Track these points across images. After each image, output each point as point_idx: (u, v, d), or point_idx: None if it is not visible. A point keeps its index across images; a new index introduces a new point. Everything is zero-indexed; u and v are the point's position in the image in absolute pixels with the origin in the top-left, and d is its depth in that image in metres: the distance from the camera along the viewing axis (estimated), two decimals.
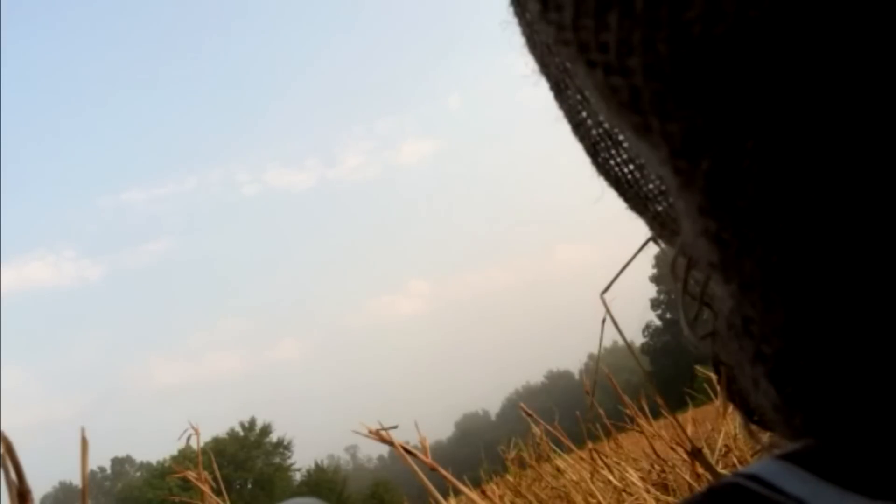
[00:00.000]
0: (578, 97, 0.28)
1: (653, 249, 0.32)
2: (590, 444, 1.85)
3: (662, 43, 0.17)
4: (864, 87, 0.16)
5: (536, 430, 2.00)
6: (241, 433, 35.05)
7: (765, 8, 0.16)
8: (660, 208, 0.28)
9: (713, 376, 0.28)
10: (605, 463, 1.76)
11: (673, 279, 0.25)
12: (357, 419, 0.97)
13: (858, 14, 0.16)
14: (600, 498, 1.65)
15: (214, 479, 1.27)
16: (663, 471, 2.03)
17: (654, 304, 35.95)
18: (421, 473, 0.98)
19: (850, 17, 0.16)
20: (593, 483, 1.77)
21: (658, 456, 1.92)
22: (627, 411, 1.61)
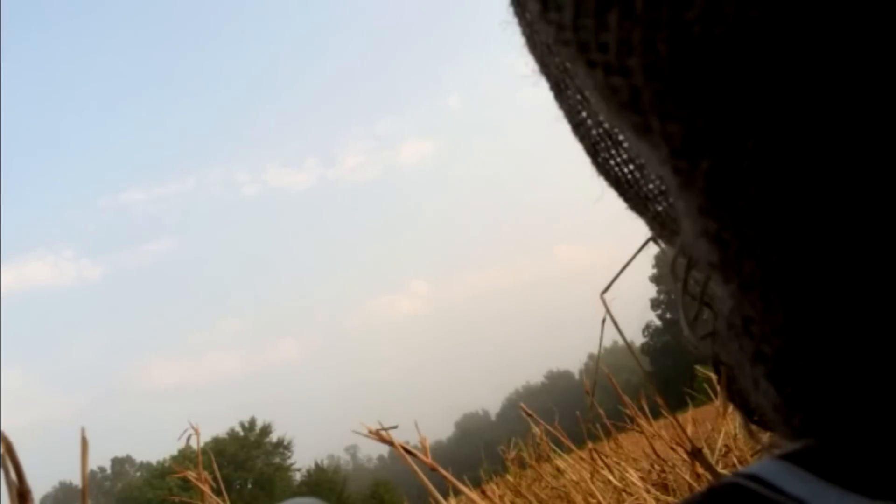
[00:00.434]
0: (578, 97, 0.28)
1: (653, 249, 0.32)
2: (590, 444, 1.85)
3: (662, 43, 0.17)
4: (863, 87, 0.16)
5: (536, 430, 2.00)
6: (241, 433, 35.06)
7: (765, 8, 0.16)
8: (660, 208, 0.28)
9: (713, 376, 0.28)
10: (605, 463, 1.76)
11: (673, 279, 0.25)
12: (357, 419, 0.97)
13: (858, 14, 0.16)
14: (600, 498, 1.65)
15: (214, 479, 1.27)
16: (663, 471, 2.03)
17: (654, 304, 35.96)
18: (421, 473, 0.98)
19: (850, 17, 0.16)
20: (593, 483, 1.77)
21: (658, 456, 1.92)
22: (627, 411, 1.61)
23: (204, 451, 1.24)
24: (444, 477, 1.03)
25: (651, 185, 0.28)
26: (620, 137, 0.27)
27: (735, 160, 0.18)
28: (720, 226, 0.19)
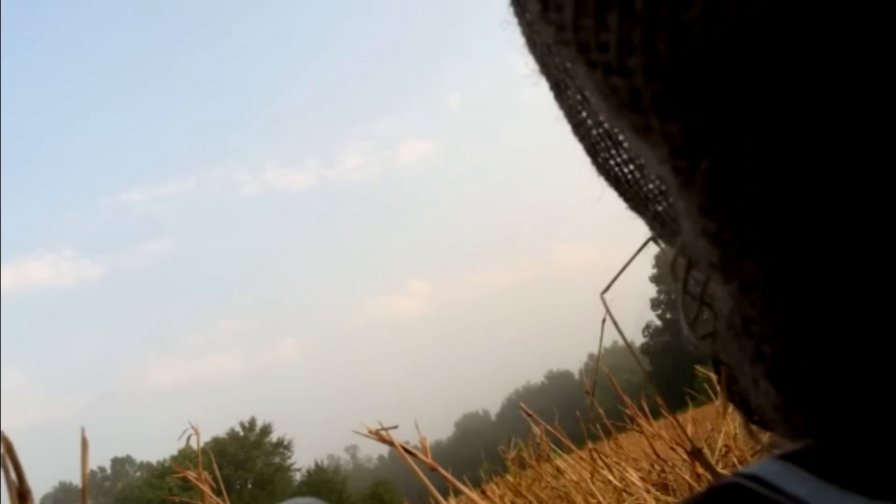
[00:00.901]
0: (578, 97, 0.28)
1: (653, 249, 0.32)
2: (590, 444, 1.85)
3: (662, 43, 0.17)
4: (863, 86, 0.16)
5: (536, 430, 2.00)
6: (241, 433, 35.05)
7: (764, 8, 0.16)
8: (660, 208, 0.28)
9: (713, 376, 0.28)
10: (605, 463, 1.76)
11: (673, 279, 0.25)
12: (357, 419, 0.97)
13: (858, 14, 0.16)
14: (600, 498, 1.65)
15: (214, 479, 1.27)
16: (663, 471, 2.03)
17: (654, 304, 35.95)
18: (421, 473, 0.98)
19: (850, 17, 0.16)
20: (593, 483, 1.77)
21: (658, 456, 1.92)
22: (627, 411, 1.61)
23: (204, 451, 1.24)
24: (444, 477, 1.03)
25: (651, 185, 0.28)
26: (620, 137, 0.27)
27: (735, 160, 0.18)
28: (720, 226, 0.19)
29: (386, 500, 29.64)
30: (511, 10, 0.27)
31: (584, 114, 0.28)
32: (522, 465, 2.45)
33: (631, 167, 0.28)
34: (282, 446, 35.76)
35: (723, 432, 2.00)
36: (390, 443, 0.95)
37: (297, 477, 35.81)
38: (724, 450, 1.96)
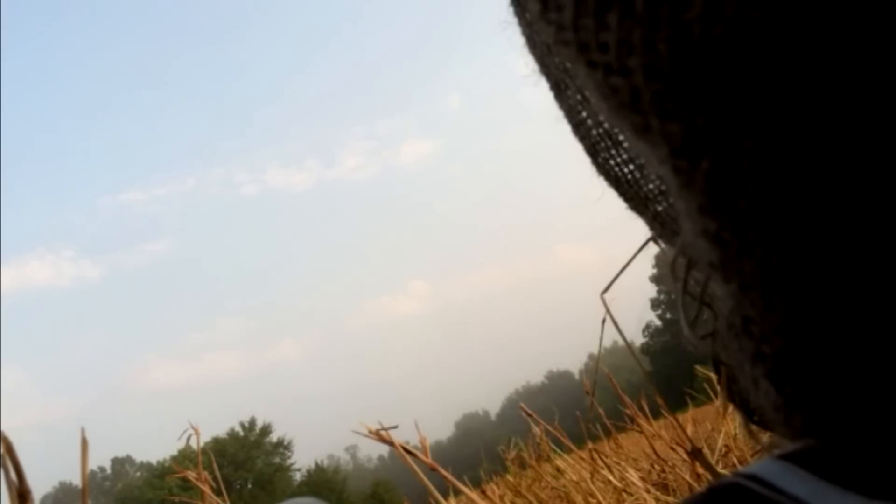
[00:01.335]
0: (578, 97, 0.28)
1: (653, 249, 0.32)
2: (590, 444, 1.84)
3: (662, 43, 0.17)
4: (863, 86, 0.16)
5: (536, 430, 2.00)
6: (241, 433, 35.05)
7: (764, 8, 0.16)
8: (660, 208, 0.28)
9: (713, 376, 0.28)
10: (605, 463, 1.76)
11: (673, 279, 0.25)
12: (357, 419, 0.97)
13: (858, 14, 0.16)
14: (600, 498, 1.65)
15: (214, 479, 1.27)
16: (663, 471, 2.03)
17: (654, 304, 35.94)
18: (421, 473, 0.98)
19: (850, 17, 0.16)
20: (593, 483, 1.77)
21: (658, 456, 1.92)
22: (627, 411, 1.61)
23: (204, 451, 1.24)
24: (444, 477, 1.03)
25: (651, 185, 0.28)
26: (620, 137, 0.27)
27: (735, 160, 0.18)
28: (720, 226, 0.19)
29: (386, 500, 29.64)
30: (511, 10, 0.27)
31: (584, 114, 0.28)
32: (522, 465, 2.45)
33: (631, 167, 0.28)
34: (282, 446, 35.76)
35: (723, 432, 2.00)
36: (390, 443, 0.95)
37: (297, 477, 35.83)
38: (724, 450, 1.96)
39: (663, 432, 1.98)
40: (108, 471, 45.54)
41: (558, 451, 2.02)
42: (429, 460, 0.99)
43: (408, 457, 0.96)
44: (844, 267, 0.18)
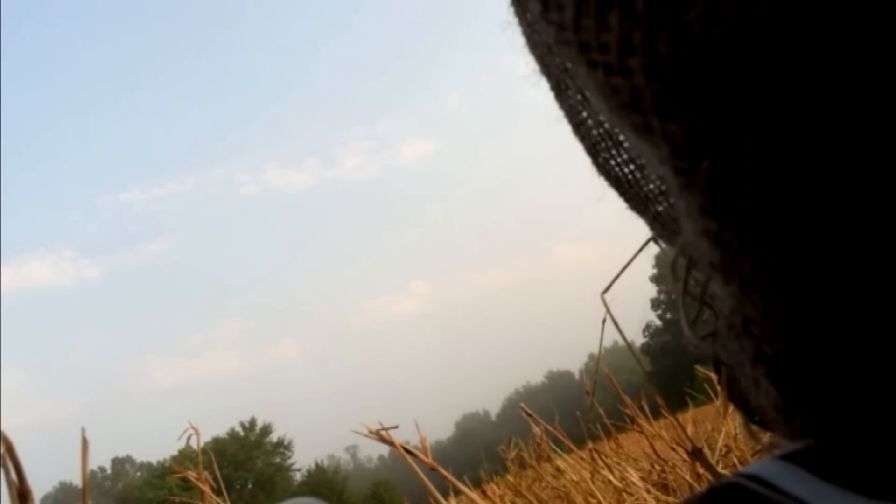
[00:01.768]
0: (579, 97, 0.28)
1: (653, 249, 0.32)
2: (590, 444, 1.84)
3: (663, 43, 0.17)
4: (864, 86, 0.16)
5: (536, 430, 2.00)
6: (242, 433, 35.08)
7: (765, 8, 0.16)
8: (660, 208, 0.28)
9: (713, 376, 0.28)
10: (605, 463, 1.76)
11: (673, 279, 0.25)
12: (357, 419, 0.97)
13: (858, 14, 0.16)
14: (601, 498, 1.65)
15: (214, 479, 1.27)
16: (664, 471, 2.03)
17: (655, 304, 35.96)
18: (421, 473, 0.98)
19: (851, 17, 0.16)
20: (594, 483, 1.77)
21: (658, 456, 1.92)
22: (627, 411, 1.61)
23: (204, 451, 1.24)
24: (445, 477, 1.03)
25: (651, 186, 0.28)
26: (621, 137, 0.27)
27: (736, 160, 0.18)
28: (721, 226, 0.19)
29: (386, 500, 29.66)
30: (511, 10, 0.27)
31: (584, 114, 0.28)
32: (522, 465, 2.45)
33: (631, 167, 0.28)
34: (282, 446, 35.79)
35: (723, 432, 2.00)
36: (390, 443, 0.95)
37: (298, 477, 35.86)
38: (724, 450, 1.96)
39: (663, 432, 1.98)
40: (108, 471, 45.58)
41: (558, 451, 2.02)
42: (429, 460, 0.99)
43: (408, 457, 0.96)
44: (845, 267, 0.18)
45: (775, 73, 0.16)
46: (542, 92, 0.29)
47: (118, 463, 45.61)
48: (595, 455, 1.79)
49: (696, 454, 0.87)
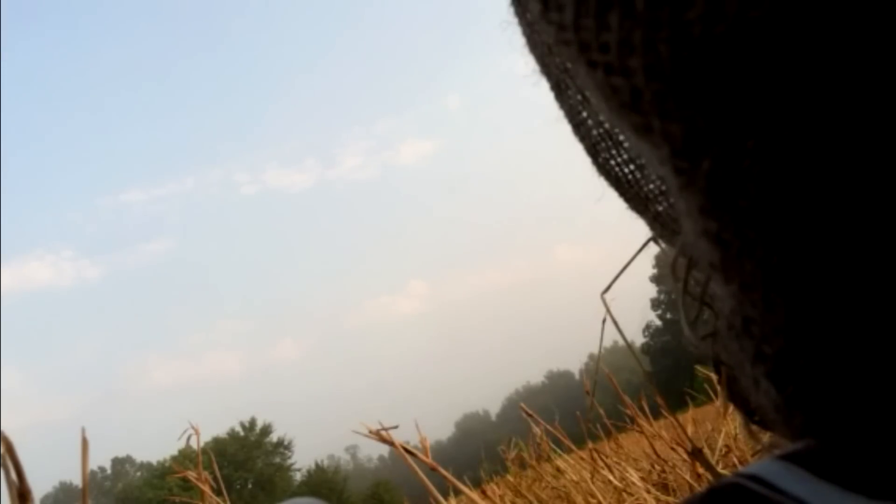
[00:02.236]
0: (579, 97, 0.28)
1: (653, 249, 0.32)
2: (590, 444, 1.84)
3: (663, 43, 0.17)
4: (864, 86, 0.16)
5: (536, 430, 2.00)
6: (242, 433, 35.08)
7: (765, 8, 0.16)
8: (660, 208, 0.28)
9: (713, 376, 0.28)
10: (605, 463, 1.76)
11: (673, 279, 0.25)
12: (357, 419, 0.96)
13: (858, 14, 0.16)
14: (601, 498, 1.65)
15: (214, 479, 1.27)
16: (664, 471, 2.03)
17: (655, 304, 35.96)
18: (421, 473, 0.98)
19: (851, 17, 0.16)
20: (594, 483, 1.77)
21: (658, 456, 1.91)
22: (628, 411, 1.61)
23: (204, 451, 1.24)
24: (445, 477, 1.03)
25: (651, 186, 0.28)
26: (621, 137, 0.27)
27: (736, 160, 0.18)
28: (721, 226, 0.19)
29: (386, 500, 29.66)
30: (511, 10, 0.27)
31: (584, 114, 0.28)
32: (522, 465, 2.45)
33: (631, 167, 0.28)
34: (282, 446, 35.80)
35: (723, 432, 2.00)
36: (390, 443, 0.95)
37: (298, 477, 35.87)
38: (724, 450, 1.96)
39: (663, 432, 1.98)
40: (108, 471, 45.58)
41: (558, 451, 2.02)
42: (429, 460, 0.99)
43: (408, 457, 0.96)
44: (845, 267, 0.18)
45: (775, 73, 0.16)
46: (542, 92, 0.29)
47: (118, 463, 45.61)
48: (595, 455, 1.79)
49: (696, 454, 0.87)
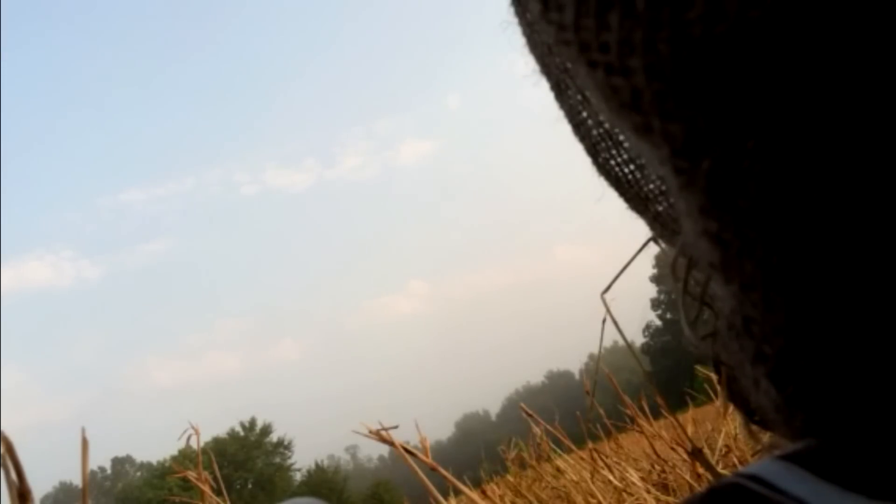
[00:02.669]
0: (579, 97, 0.28)
1: (653, 249, 0.32)
2: (590, 444, 1.84)
3: (663, 43, 0.17)
4: (864, 86, 0.16)
5: (536, 430, 2.00)
6: (242, 433, 35.08)
7: (765, 8, 0.16)
8: (660, 208, 0.28)
9: (713, 376, 0.28)
10: (605, 463, 1.76)
11: (673, 279, 0.25)
12: (357, 419, 0.96)
13: (858, 14, 0.16)
14: (600, 498, 1.65)
15: (214, 479, 1.27)
16: (664, 471, 2.03)
17: (655, 304, 35.95)
18: (421, 473, 0.98)
19: (851, 17, 0.16)
20: (593, 483, 1.77)
21: (658, 456, 1.91)
22: (627, 411, 1.61)
23: (204, 451, 1.24)
24: (445, 477, 1.03)
25: (652, 185, 0.28)
26: (621, 137, 0.27)
27: (736, 160, 0.18)
28: (721, 226, 0.19)
29: (386, 500, 29.66)
30: (511, 10, 0.27)
31: (584, 114, 0.28)
32: (522, 465, 2.45)
33: (632, 167, 0.28)
34: (282, 446, 35.79)
35: (723, 432, 2.00)
36: (390, 443, 0.95)
37: (297, 477, 35.86)
38: (724, 450, 1.96)
39: (663, 432, 1.98)
40: (108, 471, 45.58)
41: (558, 451, 2.02)
42: (429, 460, 0.99)
43: (408, 457, 0.96)
44: (845, 267, 0.18)
45: (775, 72, 0.16)
46: (542, 92, 0.29)
47: (118, 463, 45.61)
48: (595, 455, 1.79)
49: (696, 454, 0.87)
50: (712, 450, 1.89)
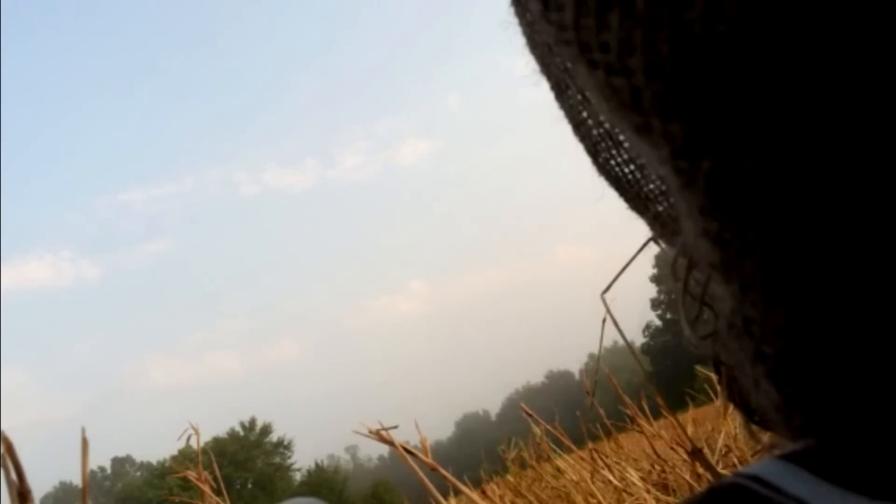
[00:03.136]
0: (579, 97, 0.28)
1: (653, 249, 0.32)
2: (590, 444, 1.84)
3: (663, 43, 0.17)
4: (864, 86, 0.16)
5: (537, 430, 2.00)
6: (242, 433, 35.08)
7: (766, 8, 0.16)
8: (660, 208, 0.28)
9: (713, 376, 0.28)
10: (605, 463, 1.76)
11: (673, 279, 0.25)
12: (357, 419, 0.96)
13: (858, 14, 0.16)
14: (601, 498, 1.65)
15: (215, 479, 1.27)
16: (664, 471, 2.03)
17: (655, 304, 35.96)
18: (421, 473, 0.98)
19: (851, 17, 0.16)
20: (594, 483, 1.77)
21: (658, 456, 1.91)
22: (628, 411, 1.61)
23: (204, 451, 1.24)
24: (445, 477, 1.03)
25: (652, 186, 0.28)
26: (621, 137, 0.27)
27: (736, 160, 0.18)
28: (721, 226, 0.19)
29: (386, 500, 29.65)
30: (512, 10, 0.27)
31: (584, 114, 0.28)
32: (522, 465, 2.45)
33: (632, 167, 0.28)
34: (282, 446, 35.79)
35: (723, 432, 2.00)
36: (390, 443, 0.95)
37: (297, 477, 35.86)
38: (724, 450, 1.96)
39: (663, 432, 1.98)
40: (108, 471, 45.56)
41: (558, 451, 2.02)
42: (429, 460, 0.99)
43: (408, 457, 0.96)
44: (845, 267, 0.18)
45: (775, 73, 0.16)
46: (542, 92, 0.29)
47: (118, 463, 45.60)
48: (595, 455, 1.79)
49: (696, 454, 0.87)
50: (712, 450, 1.89)
